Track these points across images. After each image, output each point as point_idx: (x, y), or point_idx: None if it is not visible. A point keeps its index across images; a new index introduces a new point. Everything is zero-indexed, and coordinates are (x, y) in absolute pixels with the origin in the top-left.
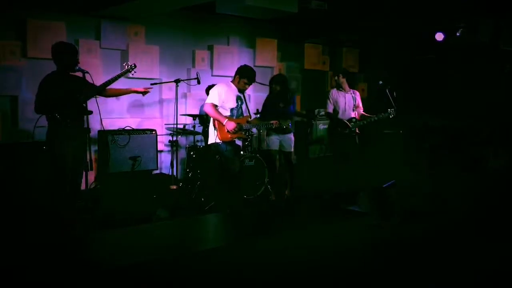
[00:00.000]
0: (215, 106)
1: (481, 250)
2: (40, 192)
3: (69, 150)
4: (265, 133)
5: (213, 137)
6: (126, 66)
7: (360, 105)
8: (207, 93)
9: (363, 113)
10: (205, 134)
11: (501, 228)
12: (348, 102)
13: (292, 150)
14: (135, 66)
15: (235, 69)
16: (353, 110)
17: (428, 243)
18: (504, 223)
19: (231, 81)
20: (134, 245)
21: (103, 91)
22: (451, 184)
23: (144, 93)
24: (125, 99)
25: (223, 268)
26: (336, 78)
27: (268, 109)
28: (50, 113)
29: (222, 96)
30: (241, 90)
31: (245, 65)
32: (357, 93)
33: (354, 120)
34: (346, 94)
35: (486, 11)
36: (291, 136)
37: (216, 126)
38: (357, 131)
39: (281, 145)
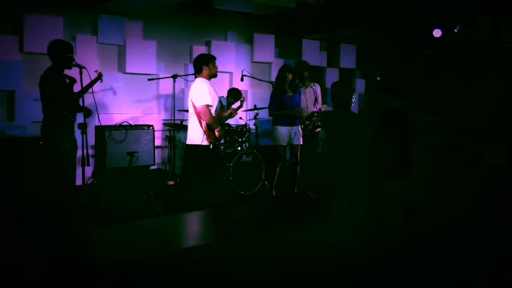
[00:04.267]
0: (209, 106)
1: (482, 249)
2: (36, 187)
3: (68, 146)
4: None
5: (200, 138)
6: (96, 74)
7: (320, 99)
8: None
9: (321, 107)
10: None
11: (501, 227)
12: (309, 98)
13: (301, 143)
14: (101, 74)
15: (233, 65)
16: (314, 105)
17: (429, 241)
18: (505, 221)
19: (200, 77)
20: (131, 240)
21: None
22: (451, 182)
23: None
24: (123, 94)
25: (219, 264)
26: (306, 74)
27: (277, 98)
28: (61, 110)
29: (212, 94)
30: (215, 76)
31: (196, 57)
32: (318, 86)
33: (315, 115)
34: (307, 89)
35: (485, 7)
36: (300, 128)
37: (206, 129)
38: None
39: (290, 138)
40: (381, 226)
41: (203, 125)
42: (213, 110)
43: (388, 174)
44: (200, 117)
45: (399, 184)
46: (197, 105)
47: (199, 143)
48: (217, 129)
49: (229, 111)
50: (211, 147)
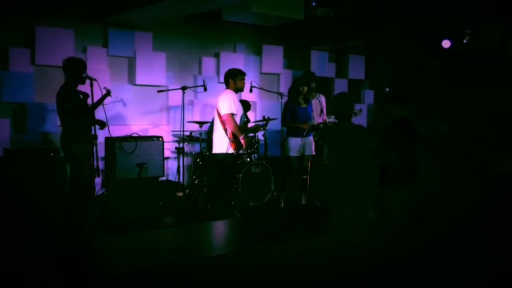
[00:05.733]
0: (233, 115)
1: (485, 255)
2: (47, 198)
3: (86, 156)
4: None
5: (225, 146)
6: (104, 90)
7: (325, 110)
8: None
9: (325, 118)
10: (210, 142)
11: (506, 233)
12: (315, 109)
13: (314, 153)
14: (109, 91)
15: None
16: (320, 116)
17: (432, 248)
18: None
19: (227, 89)
20: (140, 251)
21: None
22: (458, 190)
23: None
24: (132, 106)
25: (228, 275)
26: (313, 85)
27: (291, 109)
28: (79, 121)
29: (236, 104)
30: (241, 90)
31: (226, 71)
32: (323, 97)
33: (321, 126)
34: (313, 100)
35: (493, 17)
36: (312, 138)
37: (231, 137)
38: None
39: (303, 148)
40: (387, 234)
41: (228, 133)
42: (237, 119)
43: (394, 182)
44: (225, 126)
45: (405, 192)
46: (222, 113)
47: (224, 151)
48: (242, 137)
49: (253, 125)
50: (235, 154)
